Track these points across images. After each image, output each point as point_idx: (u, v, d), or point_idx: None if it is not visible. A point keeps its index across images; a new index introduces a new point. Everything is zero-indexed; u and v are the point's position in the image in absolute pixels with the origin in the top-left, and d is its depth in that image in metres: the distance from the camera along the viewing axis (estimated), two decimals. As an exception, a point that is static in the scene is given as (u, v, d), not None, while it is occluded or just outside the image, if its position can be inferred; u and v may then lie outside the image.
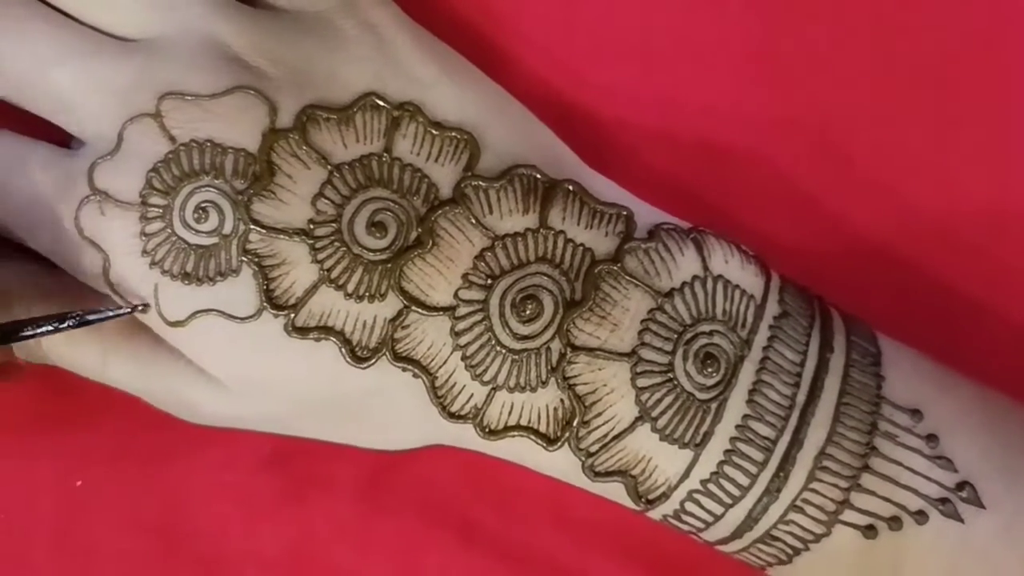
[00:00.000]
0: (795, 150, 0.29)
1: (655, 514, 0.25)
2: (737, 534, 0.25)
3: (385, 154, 0.25)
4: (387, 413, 0.25)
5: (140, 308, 0.25)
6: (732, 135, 0.28)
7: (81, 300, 0.26)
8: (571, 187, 0.26)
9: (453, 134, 0.25)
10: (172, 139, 0.25)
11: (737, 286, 0.25)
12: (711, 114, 0.28)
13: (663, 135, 0.29)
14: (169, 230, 0.25)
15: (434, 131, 0.25)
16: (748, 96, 0.28)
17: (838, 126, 0.28)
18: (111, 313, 0.25)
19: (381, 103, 0.25)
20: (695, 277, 0.25)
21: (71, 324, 0.24)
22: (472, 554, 0.28)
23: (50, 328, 0.24)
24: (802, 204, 0.29)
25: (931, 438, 0.25)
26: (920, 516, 0.24)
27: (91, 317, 0.24)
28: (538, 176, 0.25)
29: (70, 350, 0.26)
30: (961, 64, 0.28)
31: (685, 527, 0.25)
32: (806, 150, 0.29)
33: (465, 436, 0.25)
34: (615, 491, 0.25)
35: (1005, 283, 0.29)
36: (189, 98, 0.25)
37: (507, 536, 0.28)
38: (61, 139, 0.26)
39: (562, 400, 0.24)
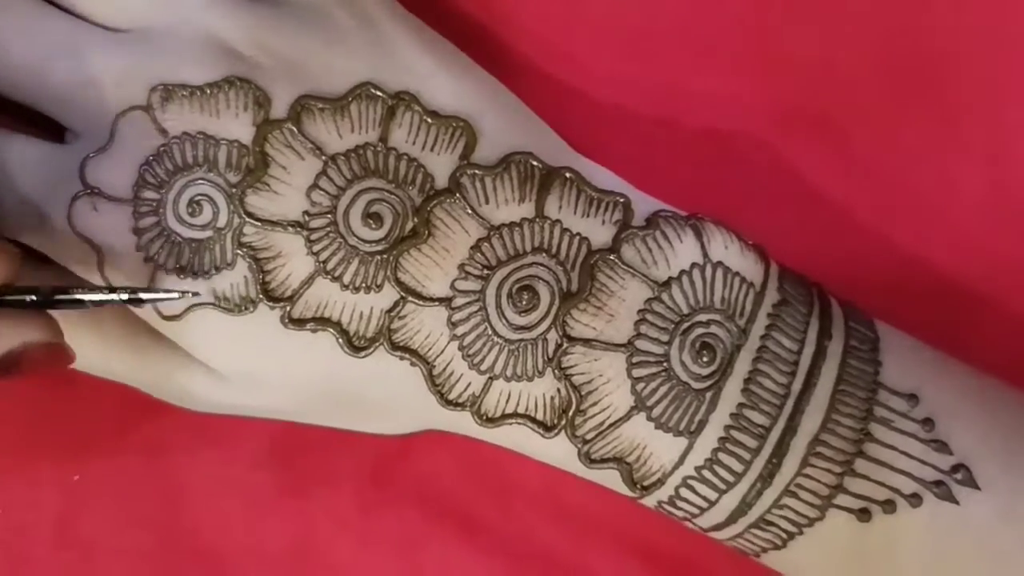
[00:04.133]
0: (796, 141, 0.28)
1: (650, 500, 0.25)
2: (731, 519, 0.25)
3: (380, 144, 0.25)
4: (385, 400, 0.26)
5: (192, 295, 0.24)
6: (732, 126, 0.28)
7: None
8: (568, 174, 0.25)
9: (449, 122, 0.25)
10: (164, 132, 0.25)
11: (737, 273, 0.25)
12: (711, 105, 0.28)
13: (663, 126, 0.28)
14: (163, 224, 0.25)
15: (429, 119, 0.25)
16: (748, 87, 0.28)
17: (839, 117, 0.28)
18: (162, 296, 0.24)
19: (377, 92, 0.25)
20: (694, 265, 0.25)
21: (121, 299, 0.23)
22: (472, 548, 0.28)
23: (100, 297, 0.23)
24: (802, 195, 0.28)
25: (927, 422, 0.25)
26: (914, 499, 0.24)
27: (145, 296, 0.23)
28: (535, 163, 0.25)
29: (71, 345, 0.26)
30: (962, 56, 0.28)
31: (680, 513, 0.25)
32: (807, 141, 0.28)
33: (463, 423, 0.25)
34: (610, 478, 0.25)
35: (1005, 275, 0.28)
36: (182, 89, 0.24)
37: (507, 530, 0.28)
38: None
39: (559, 389, 0.25)
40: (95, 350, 0.26)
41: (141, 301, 0.24)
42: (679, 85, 0.28)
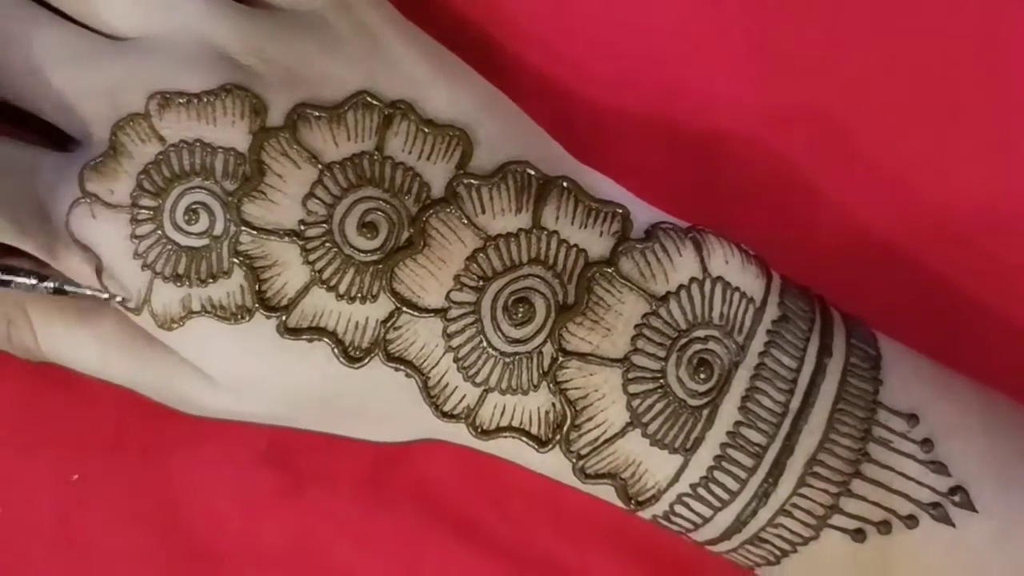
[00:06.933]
0: (795, 144, 0.28)
1: (645, 514, 0.25)
2: (726, 536, 0.25)
3: (377, 152, 0.25)
4: (381, 410, 0.26)
5: (118, 300, 0.25)
6: (732, 129, 0.28)
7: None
8: (565, 184, 0.25)
9: (446, 131, 0.25)
10: (162, 139, 0.25)
11: (736, 288, 0.25)
12: (711, 108, 0.28)
13: (662, 129, 0.28)
14: (160, 232, 0.25)
15: (426, 129, 0.25)
16: (748, 90, 0.28)
17: (839, 120, 0.28)
18: (89, 292, 0.25)
19: (373, 101, 0.25)
20: (692, 279, 0.25)
21: (49, 288, 0.24)
22: (470, 551, 0.28)
23: (30, 281, 0.24)
24: (802, 199, 0.28)
25: (926, 443, 0.24)
26: (910, 520, 0.24)
27: (69, 288, 0.25)
28: (531, 172, 0.25)
29: (68, 347, 0.26)
30: (963, 59, 0.28)
31: (675, 527, 0.25)
32: (806, 144, 0.28)
33: (458, 434, 0.25)
34: (605, 492, 0.25)
35: (1006, 279, 0.28)
36: (179, 97, 0.24)
37: (505, 533, 0.28)
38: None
39: (553, 404, 0.24)
40: (93, 352, 0.26)
41: (65, 292, 0.25)
42: (678, 86, 0.28)
